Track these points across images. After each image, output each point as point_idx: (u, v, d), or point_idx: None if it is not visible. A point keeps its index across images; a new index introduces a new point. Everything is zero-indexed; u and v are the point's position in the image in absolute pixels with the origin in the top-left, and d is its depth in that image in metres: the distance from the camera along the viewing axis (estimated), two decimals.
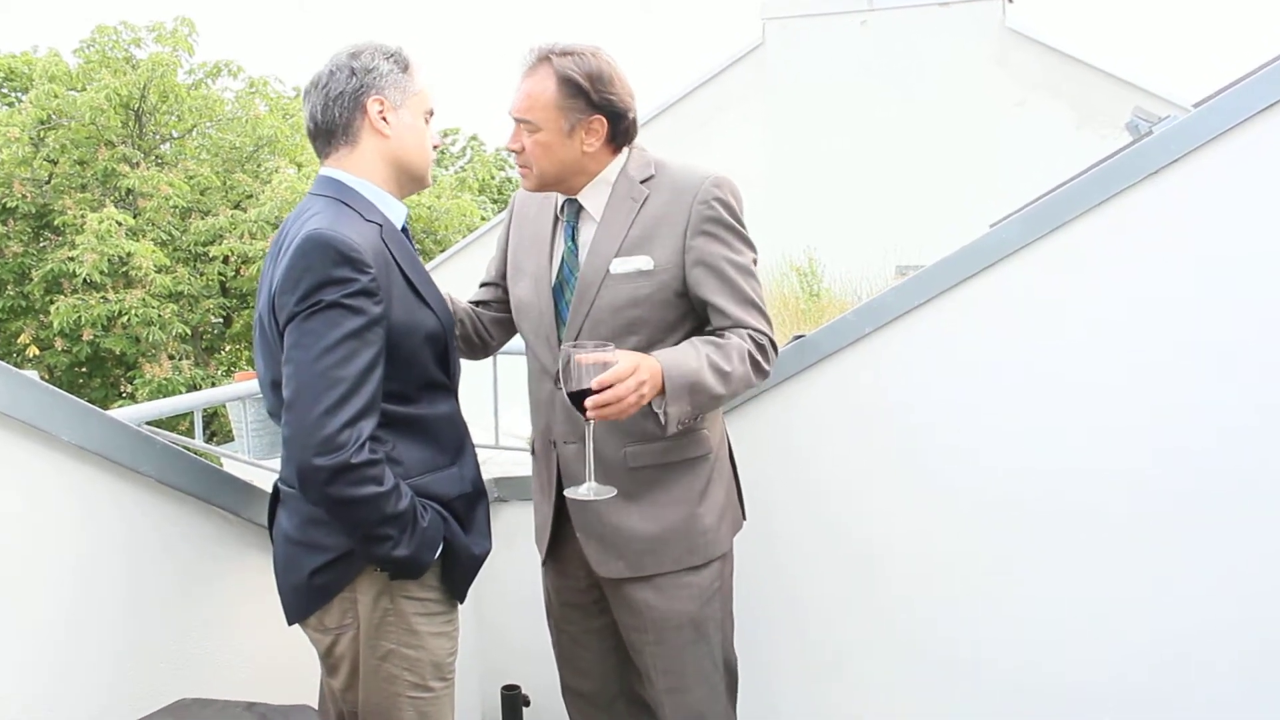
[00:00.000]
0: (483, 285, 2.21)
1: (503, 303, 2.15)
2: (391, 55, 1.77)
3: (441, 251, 13.25)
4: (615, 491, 1.84)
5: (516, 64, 1.91)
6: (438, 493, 1.75)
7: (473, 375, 2.34)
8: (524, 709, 2.72)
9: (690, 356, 1.81)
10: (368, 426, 1.57)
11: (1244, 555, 2.08)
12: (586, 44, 1.88)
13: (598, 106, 1.86)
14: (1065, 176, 2.55)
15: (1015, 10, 8.84)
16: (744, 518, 2.14)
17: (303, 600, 1.75)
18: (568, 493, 1.88)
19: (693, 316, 1.94)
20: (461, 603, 1.85)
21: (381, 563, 1.67)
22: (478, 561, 1.83)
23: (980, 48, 8.74)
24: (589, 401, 1.70)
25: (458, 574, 1.79)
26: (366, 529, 1.61)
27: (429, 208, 15.70)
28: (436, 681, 1.78)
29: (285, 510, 1.78)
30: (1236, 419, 2.05)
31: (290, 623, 1.80)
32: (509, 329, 2.18)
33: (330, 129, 1.75)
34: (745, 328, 1.88)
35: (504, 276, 2.13)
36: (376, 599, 1.72)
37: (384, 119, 1.74)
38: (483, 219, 16.52)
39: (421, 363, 1.74)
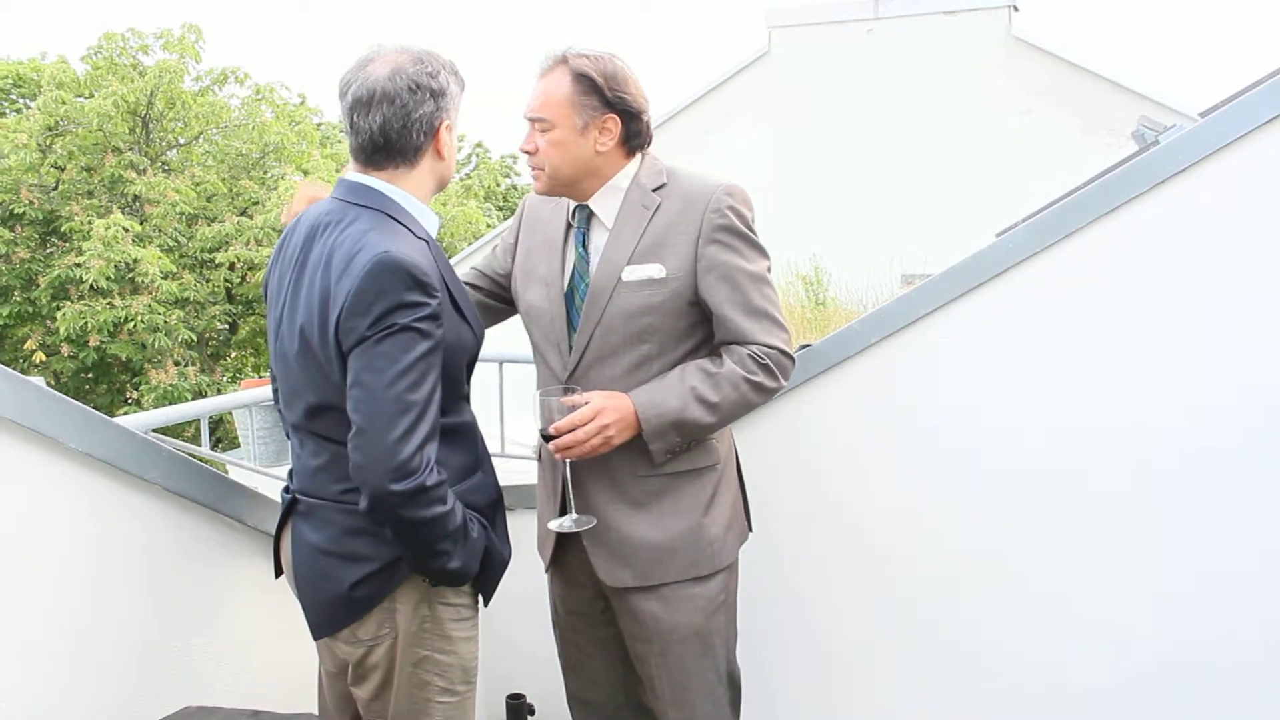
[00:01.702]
0: (473, 269, 2.21)
1: (492, 294, 2.17)
2: (456, 74, 1.75)
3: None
4: (595, 521, 1.92)
5: (532, 69, 1.92)
6: (475, 501, 1.75)
7: (478, 383, 2.34)
8: (529, 718, 2.71)
9: (673, 394, 1.84)
10: (433, 449, 1.58)
11: (1253, 558, 2.07)
12: (603, 48, 1.89)
13: (611, 105, 1.86)
14: (1071, 185, 2.54)
15: (1021, 19, 8.83)
16: (750, 529, 2.13)
17: (340, 613, 1.72)
18: (550, 525, 1.95)
19: (704, 325, 1.94)
20: (487, 605, 1.85)
21: (433, 574, 1.67)
22: (505, 566, 1.84)
23: (986, 56, 8.73)
24: (552, 445, 1.81)
25: (490, 579, 1.80)
26: (429, 545, 1.61)
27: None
28: (463, 685, 1.78)
29: (311, 523, 1.75)
30: (1244, 424, 2.04)
31: (319, 637, 1.77)
32: (490, 317, 2.18)
33: (401, 147, 1.70)
34: (751, 343, 1.87)
35: (499, 273, 2.15)
36: (416, 607, 1.71)
37: (446, 142, 1.74)
38: (488, 226, 16.54)
39: (459, 376, 1.75)
